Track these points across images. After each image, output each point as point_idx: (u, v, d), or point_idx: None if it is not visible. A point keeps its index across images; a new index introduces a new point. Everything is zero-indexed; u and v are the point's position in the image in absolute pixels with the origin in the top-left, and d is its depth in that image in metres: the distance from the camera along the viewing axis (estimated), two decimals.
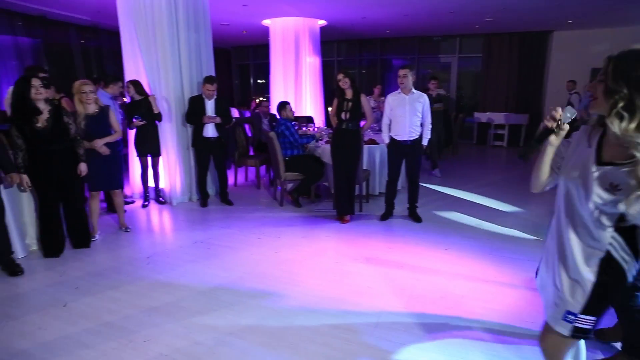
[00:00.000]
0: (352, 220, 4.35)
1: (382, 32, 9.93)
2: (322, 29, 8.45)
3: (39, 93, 3.15)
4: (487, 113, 9.83)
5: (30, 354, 2.23)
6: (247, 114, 8.30)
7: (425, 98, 4.15)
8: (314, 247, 3.68)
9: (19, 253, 3.39)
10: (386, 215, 4.43)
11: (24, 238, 3.55)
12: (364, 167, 4.72)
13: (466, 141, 10.21)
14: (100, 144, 3.66)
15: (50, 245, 3.49)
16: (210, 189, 5.26)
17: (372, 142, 5.18)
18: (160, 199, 5.00)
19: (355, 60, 11.56)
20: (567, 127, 1.40)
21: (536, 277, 1.71)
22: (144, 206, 4.89)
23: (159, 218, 4.65)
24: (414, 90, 4.12)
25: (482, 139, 10.15)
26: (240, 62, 12.87)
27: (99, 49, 8.77)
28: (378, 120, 6.78)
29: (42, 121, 3.19)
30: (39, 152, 3.23)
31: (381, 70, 11.39)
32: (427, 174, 6.33)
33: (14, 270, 3.17)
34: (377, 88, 7.65)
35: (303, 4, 6.77)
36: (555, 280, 1.47)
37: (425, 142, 4.22)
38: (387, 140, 4.29)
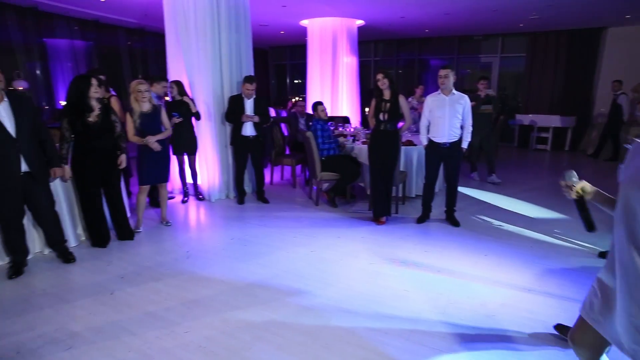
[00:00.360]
0: (387, 222, 4.30)
1: (420, 32, 9.76)
2: (360, 28, 8.42)
3: (96, 92, 3.37)
4: (529, 115, 9.44)
5: (83, 336, 2.36)
6: (283, 114, 8.39)
7: (466, 99, 4.04)
8: (349, 248, 3.68)
9: (71, 242, 3.60)
10: (423, 218, 4.35)
11: (76, 228, 3.77)
12: (401, 168, 4.66)
13: (506, 144, 9.86)
14: (153, 140, 3.83)
15: (96, 236, 3.69)
16: (247, 187, 5.37)
17: (410, 143, 5.11)
18: (200, 195, 5.16)
19: (393, 61, 11.43)
20: (582, 182, 1.50)
21: (584, 305, 1.57)
22: (183, 202, 5.06)
23: (197, 214, 4.80)
24: (454, 91, 4.02)
25: (523, 142, 9.77)
26: (277, 62, 13.05)
27: (144, 51, 9.17)
28: (416, 121, 6.68)
29: (93, 117, 3.39)
30: (87, 147, 3.42)
31: (419, 71, 11.21)
32: (466, 178, 6.17)
33: (67, 258, 3.38)
34: (419, 88, 7.51)
35: (342, 4, 6.78)
36: (625, 305, 1.32)
37: (465, 145, 4.10)
38: (425, 142, 4.22)
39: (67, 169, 3.38)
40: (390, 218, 4.39)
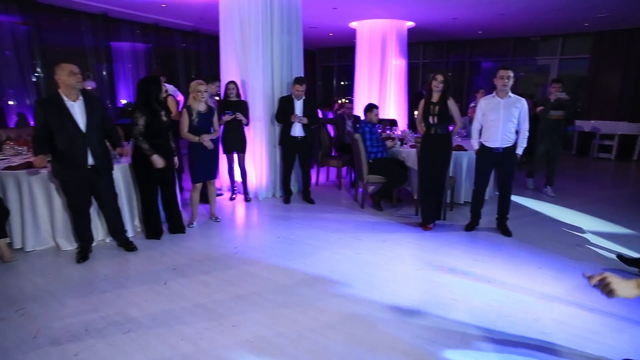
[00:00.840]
0: (434, 229, 4.20)
1: (472, 33, 9.46)
2: (409, 30, 8.29)
3: (164, 93, 3.62)
4: (592, 121, 8.83)
5: (140, 322, 2.51)
6: (330, 115, 8.43)
7: (523, 103, 3.84)
8: (395, 252, 3.63)
9: (129, 232, 3.83)
10: (471, 226, 4.20)
11: (134, 220, 4.01)
12: (450, 174, 4.52)
13: (564, 152, 9.25)
14: (207, 139, 4.00)
15: (152, 228, 3.89)
16: (294, 187, 5.45)
17: (460, 148, 4.95)
18: (247, 194, 5.28)
19: (442, 63, 11.15)
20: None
21: None
22: (231, 199, 5.22)
23: (245, 212, 4.93)
24: (510, 93, 3.85)
25: (583, 149, 9.14)
26: (325, 63, 13.15)
27: (198, 52, 9.59)
28: (466, 125, 6.45)
29: (163, 117, 3.60)
30: (155, 144, 3.62)
31: (469, 73, 10.86)
32: (521, 186, 5.87)
33: (129, 247, 3.62)
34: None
35: (393, 6, 6.71)
36: None
37: (520, 150, 3.91)
38: (476, 147, 4.07)
39: (157, 158, 3.57)
40: (437, 224, 4.28)
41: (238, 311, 2.64)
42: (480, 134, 4.02)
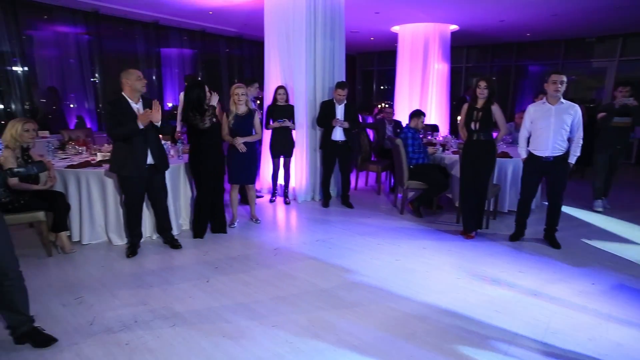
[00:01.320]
0: (476, 237, 4.07)
1: (520, 36, 9.10)
2: (453, 34, 8.11)
3: (208, 98, 3.75)
4: None
5: (184, 317, 2.61)
6: (369, 120, 8.40)
7: (576, 110, 3.64)
8: (435, 260, 3.55)
9: (174, 230, 3.99)
10: (516, 236, 4.04)
11: (179, 218, 4.18)
12: (494, 181, 4.38)
13: (623, 161, 8.68)
14: (239, 142, 4.07)
15: (199, 227, 4.04)
16: (332, 191, 5.47)
17: (505, 155, 4.78)
18: (287, 197, 5.33)
19: (486, 67, 10.82)
20: None
21: None
22: (271, 201, 5.32)
23: (284, 214, 5.00)
24: (563, 99, 3.67)
25: None
26: (365, 68, 13.12)
27: (241, 57, 9.87)
28: (510, 132, 6.23)
29: (208, 120, 3.74)
30: (203, 146, 3.78)
31: (515, 77, 10.44)
32: (569, 199, 5.56)
33: (174, 244, 3.78)
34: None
35: (437, 10, 6.60)
36: None
37: (573, 159, 3.70)
38: (523, 155, 3.91)
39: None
40: (479, 233, 4.15)
41: (277, 312, 2.69)
42: (528, 142, 3.86)
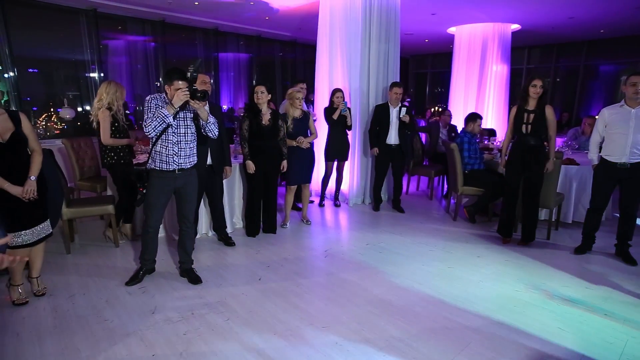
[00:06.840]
0: (537, 249, 3.84)
1: (592, 33, 8.42)
2: (513, 34, 7.72)
3: (260, 98, 3.82)
4: None
5: (238, 313, 2.70)
6: (421, 123, 8.21)
7: None
8: (490, 270, 3.39)
9: (228, 228, 4.15)
10: (583, 249, 3.76)
11: (232, 217, 4.34)
12: (557, 189, 4.10)
13: None
14: (303, 140, 4.15)
15: (252, 226, 4.16)
16: (383, 195, 5.41)
17: (571, 162, 4.46)
18: (337, 200, 5.33)
19: (550, 68, 10.15)
20: None
21: None
22: (320, 205, 5.33)
23: (335, 216, 5.02)
24: None
25: None
26: (418, 70, 12.86)
27: (294, 61, 10.07)
28: (576, 137, 5.83)
29: (265, 120, 3.86)
30: (258, 146, 3.89)
31: (583, 79, 9.69)
32: None
33: (228, 242, 3.93)
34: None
35: (497, 9, 6.32)
36: None
37: None
38: (595, 162, 3.64)
39: (251, 163, 3.87)
40: (539, 244, 3.91)
41: (327, 313, 2.70)
42: (600, 148, 3.58)
